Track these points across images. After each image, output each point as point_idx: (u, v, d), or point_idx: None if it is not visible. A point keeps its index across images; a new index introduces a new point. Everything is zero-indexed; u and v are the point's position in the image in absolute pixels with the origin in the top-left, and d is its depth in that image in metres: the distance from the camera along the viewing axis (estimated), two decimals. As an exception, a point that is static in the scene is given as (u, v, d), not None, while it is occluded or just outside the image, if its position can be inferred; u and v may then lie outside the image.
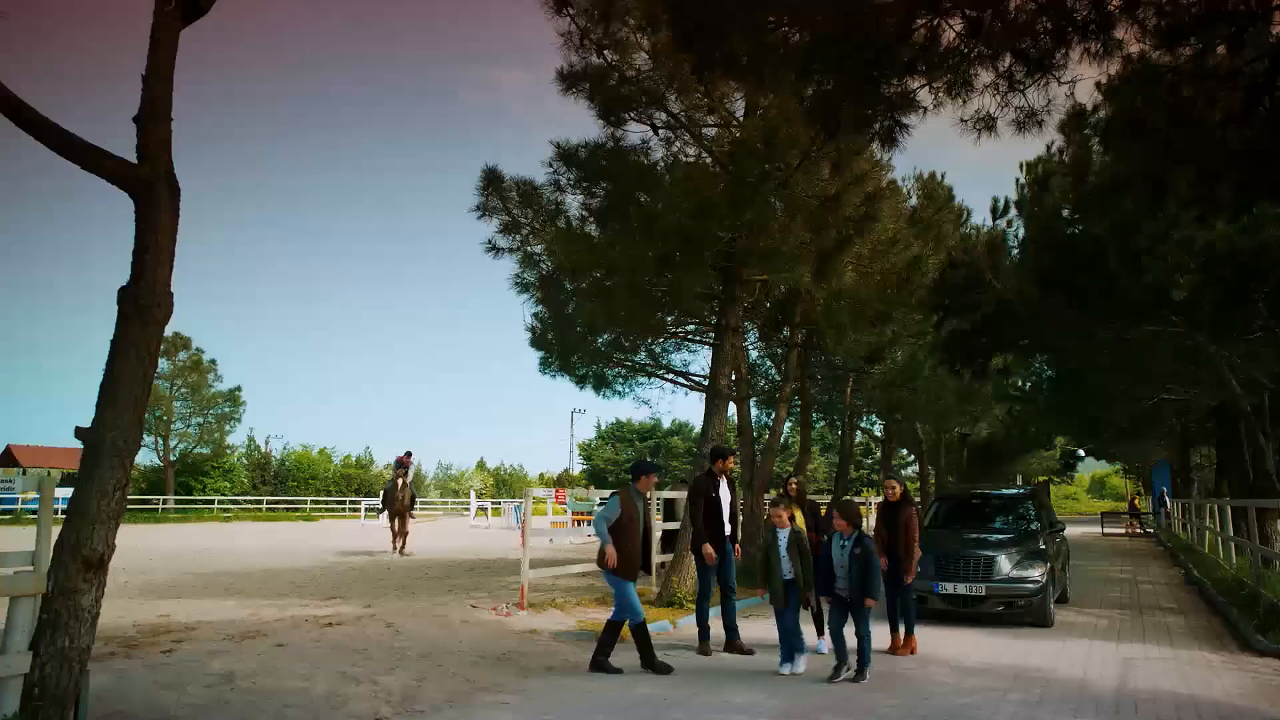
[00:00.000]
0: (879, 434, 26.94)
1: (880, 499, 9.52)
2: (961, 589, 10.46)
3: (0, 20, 4.30)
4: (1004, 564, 10.51)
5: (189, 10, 4.92)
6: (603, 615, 10.51)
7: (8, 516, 33.58)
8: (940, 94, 7.04)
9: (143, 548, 21.50)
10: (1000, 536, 11.37)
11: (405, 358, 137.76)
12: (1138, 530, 35.53)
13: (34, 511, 25.71)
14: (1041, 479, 46.22)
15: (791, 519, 7.74)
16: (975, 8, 6.90)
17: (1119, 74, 8.41)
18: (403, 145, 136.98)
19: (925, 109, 6.82)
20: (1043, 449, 36.62)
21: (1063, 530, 12.36)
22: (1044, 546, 10.99)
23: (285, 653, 7.68)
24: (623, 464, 71.39)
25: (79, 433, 4.66)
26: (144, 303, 4.62)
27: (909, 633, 8.74)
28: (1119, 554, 24.09)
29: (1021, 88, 6.71)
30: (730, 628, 8.76)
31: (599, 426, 76.38)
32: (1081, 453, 43.05)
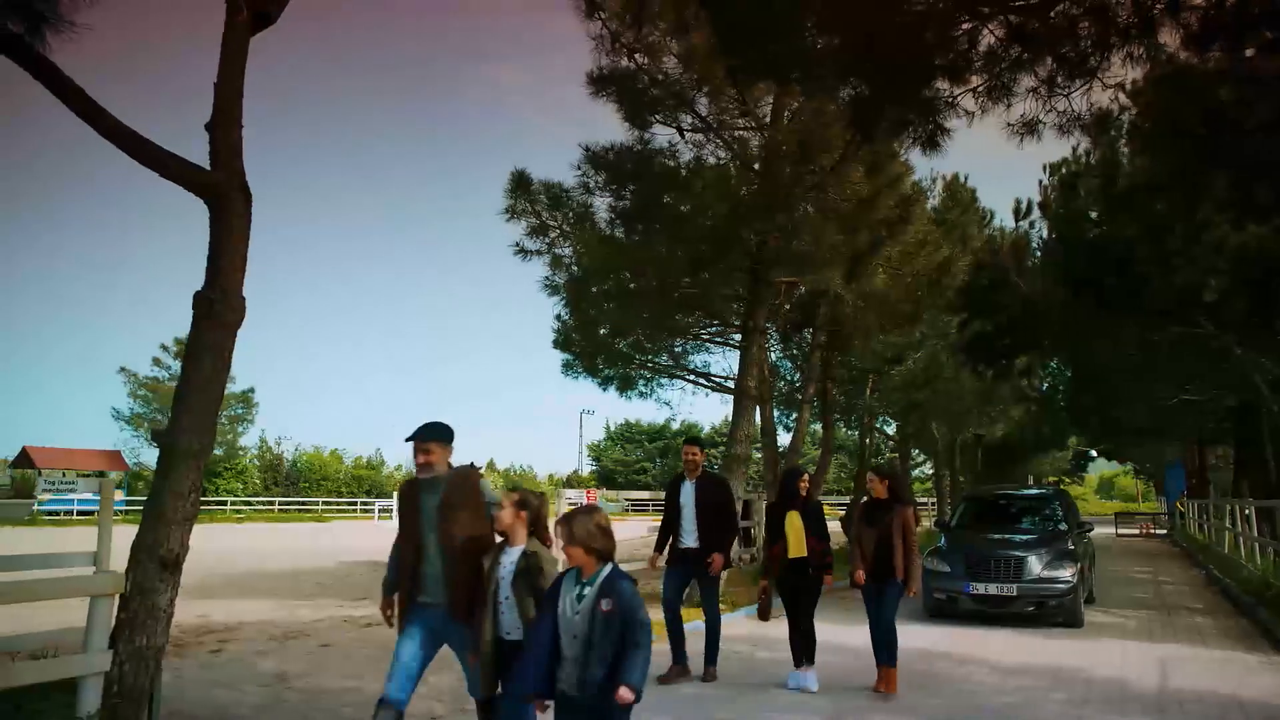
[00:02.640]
0: (890, 433, 26.89)
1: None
2: (993, 589, 10.50)
3: (81, 31, 4.40)
4: (1034, 564, 10.55)
5: (258, 20, 5.01)
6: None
7: (26, 519, 33.74)
8: (983, 98, 7.10)
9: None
10: (1029, 537, 11.42)
11: (414, 358, 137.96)
12: (1152, 531, 35.49)
13: (50, 512, 26.16)
14: (1052, 480, 46.18)
15: (532, 532, 4.28)
16: (1018, 13, 6.97)
17: (1146, 76, 8.48)
18: (410, 144, 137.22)
19: (973, 114, 6.85)
20: (1057, 450, 36.61)
21: (1090, 530, 12.40)
22: (1073, 547, 11.04)
23: (331, 653, 7.77)
24: (632, 465, 71.54)
25: (155, 435, 4.74)
26: (219, 308, 4.70)
27: (889, 664, 6.90)
28: (1136, 555, 24.09)
29: (1065, 92, 6.75)
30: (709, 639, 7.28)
31: (608, 427, 76.50)
32: (1094, 453, 43.02)
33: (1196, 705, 6.65)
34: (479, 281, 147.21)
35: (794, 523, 7.08)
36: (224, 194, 4.71)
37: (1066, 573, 10.48)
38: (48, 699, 4.58)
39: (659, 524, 7.72)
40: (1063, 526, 11.88)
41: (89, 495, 36.86)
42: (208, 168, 4.83)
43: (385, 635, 8.79)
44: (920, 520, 24.89)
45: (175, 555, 4.74)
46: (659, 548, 7.49)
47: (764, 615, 7.57)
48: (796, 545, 7.06)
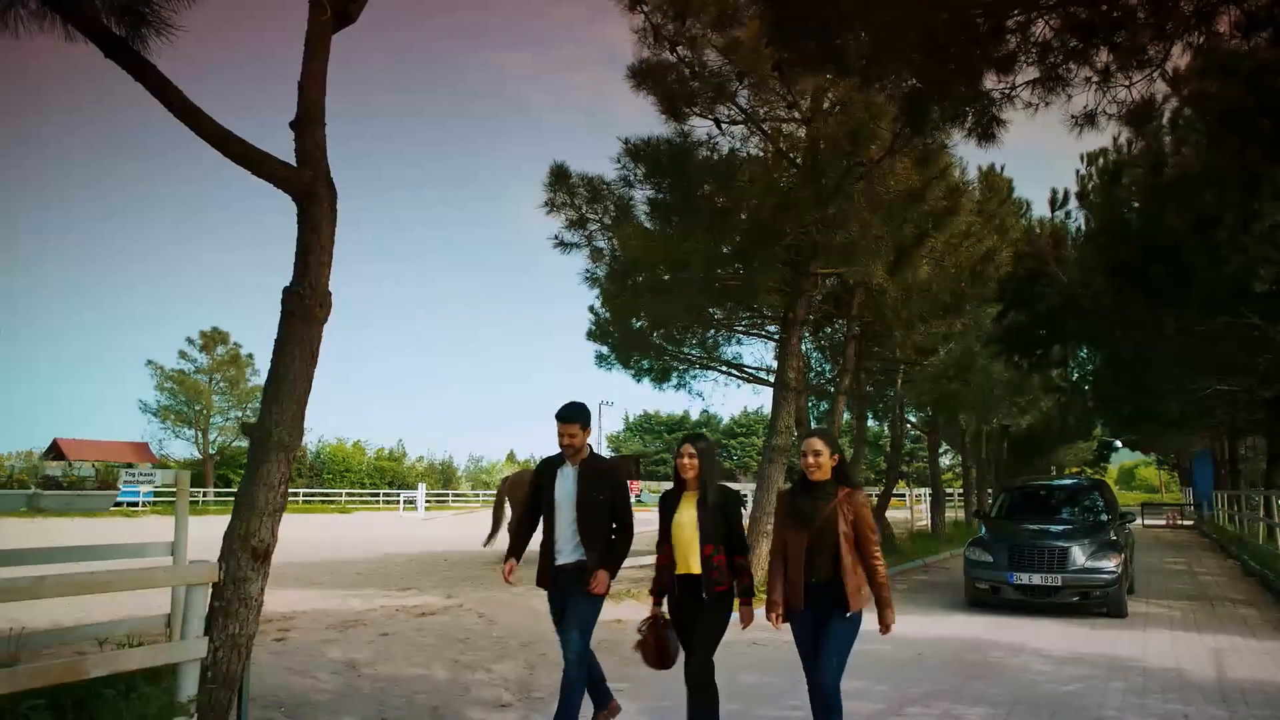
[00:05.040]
0: (913, 421, 26.77)
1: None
2: (1036, 579, 10.54)
3: (180, 33, 4.49)
4: (1078, 555, 10.59)
5: (339, 19, 5.09)
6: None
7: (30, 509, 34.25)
8: (1040, 90, 7.10)
9: (196, 539, 21.82)
10: (1072, 527, 11.47)
11: (433, 350, 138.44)
12: (1179, 522, 35.39)
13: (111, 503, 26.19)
14: (1075, 470, 45.98)
15: None
16: (1077, 4, 6.96)
17: (1189, 65, 8.46)
18: (417, 134, 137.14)
19: (1035, 106, 6.86)
20: (1082, 440, 36.52)
21: (1132, 521, 12.41)
22: (1115, 537, 11.07)
23: (393, 642, 7.89)
24: (651, 456, 71.68)
25: (245, 428, 4.88)
26: (307, 302, 4.79)
27: None
28: (1167, 545, 24.07)
29: (1128, 84, 6.75)
30: (561, 702, 4.91)
31: (627, 418, 76.81)
32: (1119, 444, 42.84)
33: (1259, 696, 6.67)
34: (496, 273, 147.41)
35: (680, 519, 4.74)
36: (312, 191, 4.79)
37: (1111, 563, 10.50)
38: (146, 684, 4.69)
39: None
40: (1104, 517, 11.90)
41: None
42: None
43: (442, 624, 8.92)
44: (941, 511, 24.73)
45: (266, 545, 4.85)
46: (514, 551, 5.31)
47: (656, 659, 4.91)
48: (683, 554, 4.70)
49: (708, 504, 4.70)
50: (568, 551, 5.05)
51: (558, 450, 5.18)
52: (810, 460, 4.50)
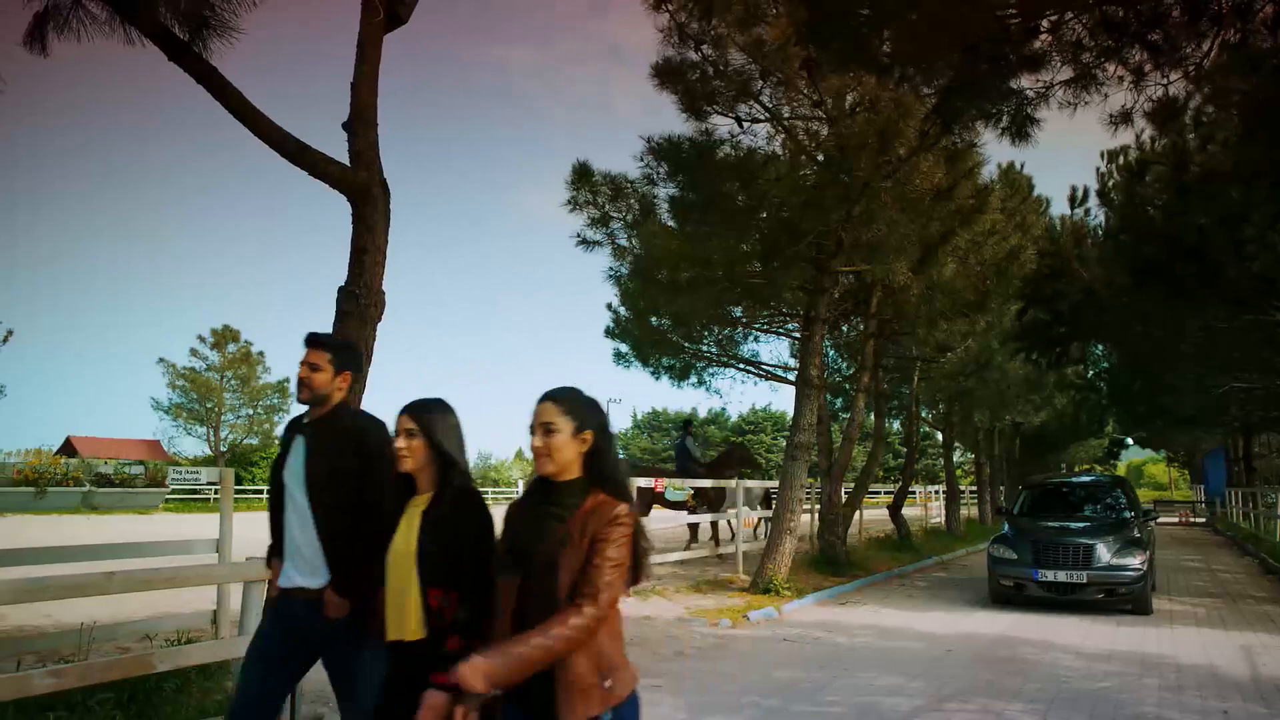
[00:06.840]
0: (925, 418, 26.73)
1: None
2: (1062, 576, 10.55)
3: (235, 37, 4.54)
4: (1103, 552, 10.59)
5: (391, 20, 5.13)
6: (706, 602, 10.74)
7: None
8: (1074, 88, 7.12)
9: (211, 535, 21.94)
10: (1096, 524, 11.47)
11: (437, 346, 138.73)
12: (1191, 519, 35.38)
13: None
14: (1084, 467, 45.96)
15: None
16: (1110, 3, 6.98)
17: (1215, 61, 8.46)
18: (418, 128, 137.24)
19: (1074, 105, 6.88)
20: (1094, 437, 36.49)
21: (1156, 518, 12.41)
22: (1140, 535, 11.08)
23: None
24: (659, 453, 71.77)
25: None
26: (363, 302, 4.85)
27: None
28: (1181, 543, 24.04)
29: (1166, 82, 6.77)
30: None
31: (635, 415, 76.89)
32: (1129, 441, 42.82)
33: (1295, 692, 6.70)
34: (501, 269, 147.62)
35: (395, 546, 2.72)
36: (368, 191, 4.84)
37: (1136, 560, 10.51)
38: (203, 679, 4.76)
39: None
40: (1127, 514, 11.91)
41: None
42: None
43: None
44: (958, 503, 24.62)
45: (321, 542, 4.88)
46: (274, 550, 3.46)
47: None
48: (396, 603, 2.68)
49: (435, 518, 2.71)
50: (300, 567, 3.23)
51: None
52: (537, 441, 2.44)
